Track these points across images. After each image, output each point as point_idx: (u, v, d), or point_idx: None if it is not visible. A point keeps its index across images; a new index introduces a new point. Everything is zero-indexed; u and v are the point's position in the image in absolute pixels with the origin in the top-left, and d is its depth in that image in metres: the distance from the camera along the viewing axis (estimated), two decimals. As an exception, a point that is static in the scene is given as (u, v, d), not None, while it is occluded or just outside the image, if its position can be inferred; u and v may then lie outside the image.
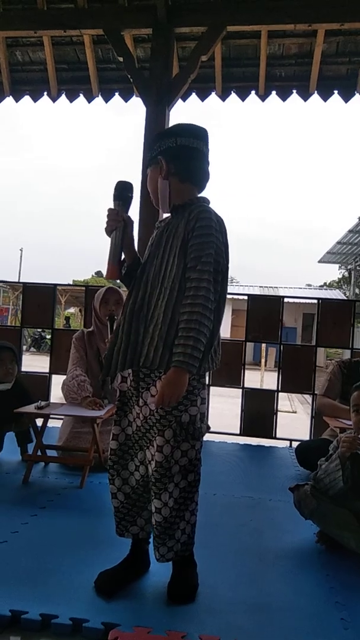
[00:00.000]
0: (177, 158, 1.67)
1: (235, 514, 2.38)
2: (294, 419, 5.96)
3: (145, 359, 1.55)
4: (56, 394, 3.49)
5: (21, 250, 32.94)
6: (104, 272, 1.75)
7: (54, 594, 1.58)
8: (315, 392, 3.76)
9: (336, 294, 24.73)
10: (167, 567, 1.67)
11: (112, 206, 1.67)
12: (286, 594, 1.69)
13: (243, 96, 4.64)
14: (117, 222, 1.65)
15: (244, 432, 4.00)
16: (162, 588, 1.63)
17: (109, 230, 1.66)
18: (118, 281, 1.80)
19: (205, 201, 1.71)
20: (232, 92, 4.65)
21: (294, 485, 2.21)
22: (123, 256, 1.71)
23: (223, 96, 4.66)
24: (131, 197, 1.69)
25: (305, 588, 1.74)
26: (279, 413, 4.06)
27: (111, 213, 1.65)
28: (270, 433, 3.98)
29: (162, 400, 1.50)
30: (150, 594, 1.63)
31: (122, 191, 1.67)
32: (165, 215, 1.78)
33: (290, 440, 3.96)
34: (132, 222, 1.69)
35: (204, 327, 1.51)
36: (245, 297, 4.17)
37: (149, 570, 1.75)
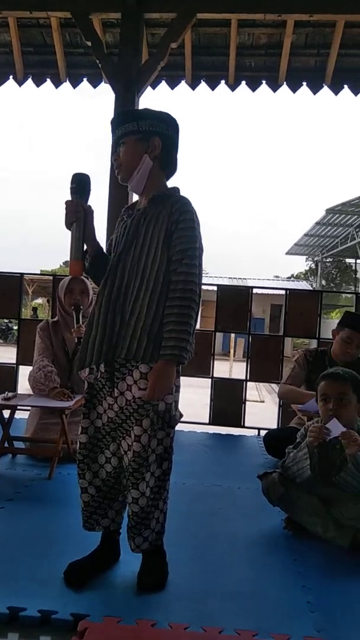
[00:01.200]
0: (165, 145, 1.68)
1: (205, 502, 2.40)
2: (262, 408, 6.04)
3: (128, 352, 1.54)
4: (23, 385, 3.43)
5: (-14, 239, 32.08)
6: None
7: (22, 586, 1.56)
8: (283, 382, 3.81)
9: (303, 286, 25.11)
10: (137, 556, 1.67)
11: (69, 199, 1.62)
12: (255, 580, 1.71)
13: (213, 85, 4.63)
14: (76, 213, 1.60)
15: (213, 421, 4.03)
16: (132, 578, 1.63)
17: (68, 223, 1.60)
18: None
19: (179, 192, 1.71)
20: (202, 80, 4.63)
21: (262, 472, 2.24)
22: (85, 248, 1.65)
23: (193, 85, 4.63)
24: (89, 190, 1.64)
25: (274, 573, 1.77)
26: (247, 402, 4.10)
27: (69, 205, 1.60)
28: (238, 422, 4.02)
29: (154, 393, 1.52)
30: (119, 584, 1.63)
31: (80, 184, 1.62)
32: (136, 199, 1.77)
33: (259, 429, 4.01)
34: (92, 212, 1.64)
35: (193, 320, 1.56)
36: (215, 288, 4.18)
37: (119, 560, 1.75)
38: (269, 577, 1.75)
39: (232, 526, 2.14)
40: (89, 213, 1.62)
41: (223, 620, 1.46)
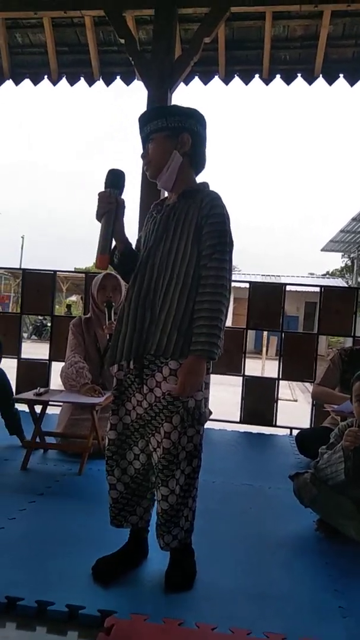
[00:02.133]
0: (194, 142, 1.67)
1: (235, 502, 2.37)
2: (295, 408, 5.95)
3: (158, 347, 1.53)
4: (56, 381, 3.48)
5: (22, 237, 32.61)
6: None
7: (51, 581, 1.57)
8: (317, 381, 3.74)
9: (339, 283, 24.63)
10: (165, 555, 1.66)
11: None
12: (285, 582, 1.68)
13: (247, 80, 4.55)
14: (108, 205, 1.58)
15: (244, 420, 3.99)
16: (160, 576, 1.62)
17: (100, 214, 1.59)
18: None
19: (208, 187, 1.69)
20: (235, 75, 4.56)
21: (294, 473, 2.19)
22: (114, 243, 1.63)
23: (226, 80, 4.57)
24: (123, 185, 1.62)
25: (304, 576, 1.73)
26: (279, 401, 4.04)
27: (103, 195, 1.59)
28: (270, 421, 3.96)
29: (184, 389, 1.51)
30: (147, 581, 1.62)
31: (114, 178, 1.61)
32: (165, 195, 1.75)
33: (291, 428, 3.95)
34: (124, 206, 1.62)
35: (223, 315, 1.55)
36: (247, 285, 4.13)
37: (147, 558, 1.74)
38: (300, 579, 1.71)
39: (262, 526, 2.11)
40: (120, 206, 1.61)
41: (251, 622, 1.43)
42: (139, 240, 1.74)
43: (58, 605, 1.44)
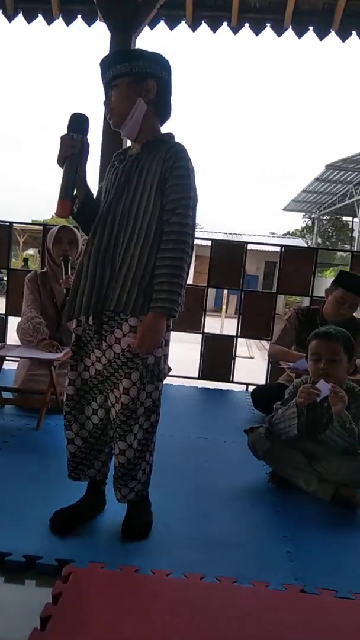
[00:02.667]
0: (160, 89, 1.60)
1: (191, 455, 2.43)
2: (252, 365, 6.09)
3: (117, 303, 1.51)
4: (12, 336, 3.41)
5: (-23, 186, 31.18)
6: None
7: (8, 532, 1.58)
8: (274, 339, 3.82)
9: (299, 243, 24.91)
10: (122, 506, 1.69)
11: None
12: (237, 531, 1.75)
13: (214, 27, 4.38)
14: (71, 148, 1.51)
15: (202, 376, 4.06)
16: (117, 526, 1.66)
17: (61, 158, 1.51)
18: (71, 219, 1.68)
19: (174, 138, 1.63)
20: (203, 22, 4.38)
21: (249, 427, 2.26)
22: (75, 192, 1.57)
23: (193, 26, 4.39)
24: (87, 130, 1.55)
25: (256, 524, 1.81)
26: (237, 358, 4.12)
27: (65, 138, 1.51)
28: (227, 377, 4.05)
29: (143, 346, 1.50)
30: (104, 531, 1.66)
31: (77, 122, 1.53)
32: (128, 145, 1.69)
33: (247, 385, 4.05)
34: (88, 151, 1.55)
35: (185, 272, 1.52)
36: (209, 243, 4.11)
37: (104, 509, 1.78)
38: (251, 528, 1.79)
39: (217, 479, 2.18)
40: (84, 151, 1.54)
41: (204, 568, 1.49)
42: (99, 192, 1.68)
43: (15, 556, 1.46)
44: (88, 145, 1.55)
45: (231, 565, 1.53)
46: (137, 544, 1.59)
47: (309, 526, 1.84)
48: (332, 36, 4.28)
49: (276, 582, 1.46)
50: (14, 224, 4.21)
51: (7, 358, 2.81)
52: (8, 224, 4.10)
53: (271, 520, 1.86)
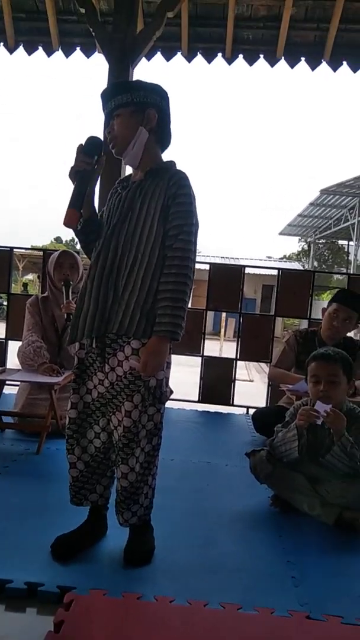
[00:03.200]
0: (160, 119, 1.65)
1: (192, 479, 2.41)
2: (251, 387, 6.08)
3: (120, 326, 1.53)
4: (13, 360, 3.41)
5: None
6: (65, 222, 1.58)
7: (9, 559, 1.56)
8: (273, 361, 3.82)
9: (295, 266, 25.10)
10: (124, 531, 1.68)
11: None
12: (240, 555, 1.73)
13: (209, 58, 4.52)
14: (85, 164, 1.56)
15: (202, 399, 4.05)
16: (119, 552, 1.64)
17: (74, 172, 1.56)
18: (78, 245, 1.71)
19: (175, 166, 1.68)
20: (198, 53, 4.52)
21: (250, 450, 2.25)
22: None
23: (189, 57, 4.52)
24: (100, 154, 1.60)
25: (259, 549, 1.79)
26: (236, 381, 4.12)
27: (80, 155, 1.56)
28: (227, 400, 4.04)
29: (147, 369, 1.51)
30: (106, 557, 1.64)
31: (92, 145, 1.58)
32: (130, 172, 1.73)
33: (247, 407, 4.03)
34: (100, 169, 1.61)
35: (187, 296, 1.55)
36: (207, 267, 4.15)
37: (106, 535, 1.76)
38: (255, 552, 1.77)
39: (219, 502, 2.16)
40: (96, 171, 1.60)
41: (208, 594, 1.47)
42: (100, 216, 1.72)
43: (16, 583, 1.43)
44: (102, 166, 1.60)
45: (235, 590, 1.51)
46: (139, 570, 1.57)
47: (313, 550, 1.81)
48: (324, 66, 4.42)
49: (281, 608, 1.43)
50: (14, 249, 4.26)
51: (7, 382, 2.80)
52: (8, 249, 4.14)
53: (274, 544, 1.84)
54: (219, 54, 4.50)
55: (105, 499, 1.74)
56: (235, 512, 2.08)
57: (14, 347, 3.34)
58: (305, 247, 32.72)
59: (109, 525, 1.76)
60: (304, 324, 4.44)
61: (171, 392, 1.68)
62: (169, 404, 1.69)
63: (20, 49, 4.63)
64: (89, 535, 1.70)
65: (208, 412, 3.94)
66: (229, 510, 2.08)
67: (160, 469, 1.72)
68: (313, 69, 4.45)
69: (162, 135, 1.70)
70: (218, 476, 2.49)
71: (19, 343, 3.01)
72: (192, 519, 1.98)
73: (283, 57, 4.42)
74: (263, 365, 5.60)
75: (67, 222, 1.54)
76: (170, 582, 1.52)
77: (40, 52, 4.63)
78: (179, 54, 4.52)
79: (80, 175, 1.56)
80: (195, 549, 1.75)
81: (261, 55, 4.47)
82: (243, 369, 7.62)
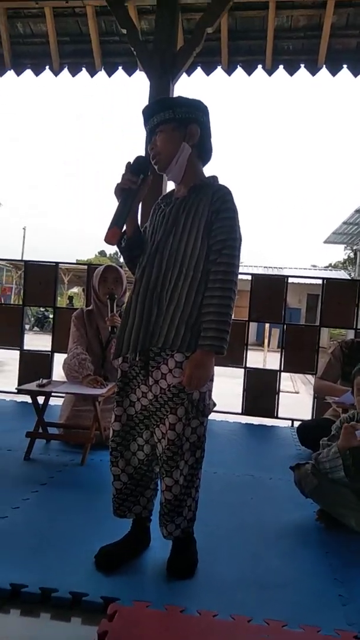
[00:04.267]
0: (202, 134, 1.67)
1: (236, 492, 2.39)
2: (297, 399, 5.97)
3: (165, 340, 1.54)
4: (58, 372, 3.49)
5: (24, 229, 32.51)
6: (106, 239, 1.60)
7: (54, 568, 1.59)
8: (318, 373, 3.75)
9: (341, 275, 24.59)
10: (167, 543, 1.68)
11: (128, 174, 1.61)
12: (286, 571, 1.70)
13: (249, 70, 4.52)
14: (130, 183, 1.60)
15: (245, 411, 4.01)
16: (162, 564, 1.64)
17: (119, 189, 1.60)
18: (121, 259, 1.74)
19: (218, 181, 1.69)
20: (238, 66, 4.53)
21: (295, 464, 2.21)
22: (125, 227, 1.64)
23: (229, 70, 4.54)
24: (146, 173, 1.63)
25: (305, 565, 1.75)
26: (281, 393, 4.06)
27: (128, 173, 1.60)
28: (272, 412, 3.98)
29: (192, 382, 1.52)
30: (150, 569, 1.64)
31: (138, 164, 1.62)
32: (172, 188, 1.75)
33: (292, 420, 3.96)
34: (145, 191, 1.64)
35: (231, 310, 1.56)
36: (249, 277, 4.13)
37: (149, 547, 1.76)
38: (300, 568, 1.73)
39: (263, 516, 2.13)
40: (141, 190, 1.63)
41: (252, 609, 1.45)
42: (144, 231, 1.74)
43: (61, 592, 1.46)
44: (148, 186, 1.64)
45: (280, 607, 1.48)
46: (182, 583, 1.57)
47: (362, 568, 1.75)
48: (367, 72, 4.34)
49: (328, 627, 1.39)
50: (60, 264, 4.38)
51: (52, 394, 2.87)
52: (54, 264, 4.26)
53: (321, 561, 1.79)
54: (259, 66, 4.49)
55: (149, 511, 1.75)
56: (280, 526, 2.04)
57: (59, 359, 3.42)
58: (352, 255, 31.99)
59: (152, 537, 1.77)
60: (350, 335, 4.33)
61: (214, 404, 1.68)
62: (212, 416, 1.69)
63: (65, 71, 4.79)
64: (133, 547, 1.71)
65: (252, 424, 3.90)
66: (273, 525, 2.05)
67: (204, 481, 1.71)
68: (356, 75, 4.38)
69: (203, 151, 1.72)
70: (262, 489, 2.46)
71: (64, 355, 3.09)
72: (235, 533, 1.96)
73: (324, 66, 4.37)
74: (309, 376, 5.50)
75: (108, 239, 1.57)
76: (213, 597, 1.51)
77: (83, 72, 4.77)
78: (219, 67, 4.56)
79: (126, 193, 1.60)
80: (239, 563, 1.72)
81: (302, 65, 4.44)
82: (288, 381, 7.50)
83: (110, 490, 1.73)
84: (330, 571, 1.72)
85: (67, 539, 1.79)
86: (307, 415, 3.93)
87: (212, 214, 1.58)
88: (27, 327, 9.82)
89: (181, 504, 1.61)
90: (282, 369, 4.02)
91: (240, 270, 1.66)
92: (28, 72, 4.84)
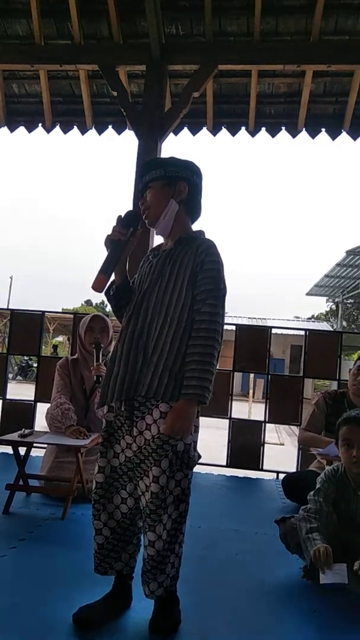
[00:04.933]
0: (191, 191, 1.74)
1: (220, 548, 2.33)
2: (281, 451, 5.91)
3: (148, 389, 1.55)
4: (41, 422, 3.44)
5: (11, 277, 32.56)
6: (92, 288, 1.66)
7: (32, 629, 1.52)
8: (303, 424, 3.74)
9: (324, 326, 24.92)
10: (149, 602, 1.62)
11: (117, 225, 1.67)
12: (271, 631, 1.64)
13: (233, 131, 4.77)
14: (120, 234, 1.66)
15: (230, 463, 3.96)
16: (144, 624, 1.57)
17: (110, 240, 1.66)
18: (107, 308, 1.78)
19: (204, 235, 1.76)
20: (222, 127, 4.79)
21: (280, 517, 2.18)
22: (112, 277, 1.69)
23: (214, 131, 4.79)
24: (136, 227, 1.70)
25: (291, 625, 1.70)
26: (266, 445, 4.03)
27: (119, 224, 1.67)
28: (257, 465, 3.93)
29: (174, 431, 1.52)
30: (131, 631, 1.57)
31: (129, 218, 1.69)
32: (159, 242, 1.81)
33: (277, 472, 3.92)
34: (134, 244, 1.70)
35: (215, 360, 1.57)
36: (233, 328, 4.18)
37: (130, 606, 1.70)
38: (286, 628, 1.67)
39: (249, 573, 2.07)
40: (130, 243, 1.69)
41: (237, 674, 1.39)
42: (132, 282, 1.79)
43: (38, 657, 1.39)
44: (136, 238, 1.70)
45: (266, 671, 1.42)
46: (165, 646, 1.50)
47: (350, 628, 1.70)
48: (344, 135, 4.60)
49: None
50: (46, 313, 4.39)
51: (35, 444, 2.82)
52: (40, 312, 4.28)
53: (308, 620, 1.74)
54: (243, 128, 4.75)
55: (131, 568, 1.70)
56: (265, 583, 1.99)
57: (42, 409, 3.38)
58: (334, 307, 32.56)
59: (133, 596, 1.70)
60: (334, 385, 4.36)
61: (199, 456, 1.67)
62: (196, 469, 1.67)
63: (57, 129, 4.98)
64: (114, 606, 1.65)
65: (237, 476, 3.84)
66: (259, 582, 1.99)
67: (187, 536, 1.67)
68: (333, 138, 4.64)
69: (192, 207, 1.78)
70: (247, 545, 2.40)
71: (48, 405, 3.05)
72: (220, 591, 1.90)
73: (304, 129, 4.64)
74: (294, 427, 5.48)
75: (96, 286, 1.62)
76: (197, 660, 1.45)
77: (75, 130, 4.97)
78: (204, 128, 4.79)
79: (115, 244, 1.66)
80: (223, 623, 1.66)
81: (283, 128, 4.71)
82: (273, 432, 7.45)
83: (91, 546, 1.68)
84: (317, 632, 1.66)
85: (46, 598, 1.71)
86: (292, 467, 3.89)
87: (197, 266, 1.63)
88: (10, 376, 9.68)
89: (164, 561, 1.57)
90: (267, 419, 4.00)
91: (225, 320, 1.70)
92: (21, 129, 5.03)
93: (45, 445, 3.06)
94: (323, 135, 4.65)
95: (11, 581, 1.83)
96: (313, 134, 4.65)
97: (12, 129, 5.02)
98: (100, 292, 1.67)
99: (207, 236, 1.75)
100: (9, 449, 2.82)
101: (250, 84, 4.47)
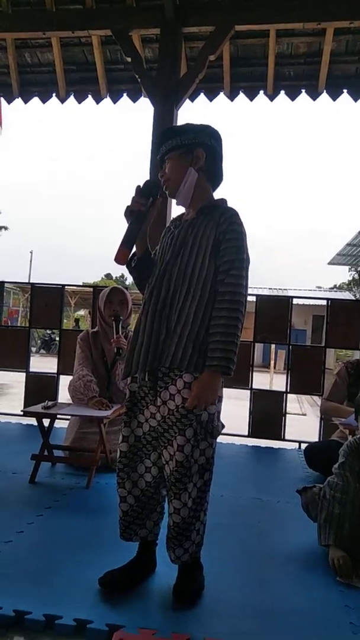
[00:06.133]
0: (210, 158, 1.69)
1: (243, 516, 2.35)
2: (304, 421, 5.91)
3: (172, 359, 1.54)
4: (64, 394, 3.49)
5: (31, 252, 32.81)
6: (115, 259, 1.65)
7: (58, 594, 1.56)
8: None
9: (346, 296, 24.55)
10: (173, 568, 1.65)
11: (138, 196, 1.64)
12: (294, 598, 1.66)
13: (251, 96, 4.62)
14: (140, 205, 1.63)
15: (252, 433, 3.97)
16: (168, 590, 1.61)
17: (129, 211, 1.64)
18: (127, 281, 1.76)
19: (226, 203, 1.71)
20: (240, 92, 4.64)
21: (302, 487, 2.18)
22: (134, 249, 1.67)
23: (231, 96, 4.64)
24: (155, 196, 1.66)
25: (314, 591, 1.71)
26: (288, 415, 4.02)
27: (138, 195, 1.64)
28: (278, 435, 3.94)
29: (199, 402, 1.51)
30: (156, 595, 1.61)
31: (147, 187, 1.66)
32: (181, 212, 1.77)
33: (299, 442, 3.92)
34: (155, 211, 1.67)
35: (239, 331, 1.56)
36: (254, 298, 4.13)
37: (155, 571, 1.73)
38: (309, 595, 1.69)
39: (271, 541, 2.09)
40: (150, 213, 1.66)
41: (260, 637, 1.42)
42: (154, 254, 1.76)
43: (66, 619, 1.43)
44: (156, 207, 1.67)
45: (289, 635, 1.44)
46: (189, 610, 1.53)
47: (373, 594, 1.71)
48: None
49: (339, 656, 1.36)
50: (66, 287, 4.41)
51: (58, 416, 2.86)
52: (60, 286, 4.29)
53: (331, 587, 1.75)
54: (261, 91, 4.59)
55: (155, 535, 1.72)
56: (287, 551, 2.00)
57: (65, 381, 3.42)
58: (356, 276, 32.02)
59: (158, 562, 1.74)
60: (357, 355, 4.31)
61: (223, 426, 1.67)
62: (218, 439, 1.67)
63: (71, 98, 4.90)
64: (138, 571, 1.69)
65: (259, 446, 3.86)
66: (281, 549, 2.01)
67: (210, 505, 1.69)
68: (356, 99, 4.46)
69: (212, 174, 1.73)
70: (270, 513, 2.42)
71: (70, 377, 3.08)
72: (243, 558, 1.92)
73: (325, 91, 4.46)
74: (316, 398, 5.46)
75: (118, 259, 1.61)
76: (220, 624, 1.47)
77: (89, 99, 4.88)
78: (221, 93, 4.65)
79: (135, 215, 1.63)
80: (247, 589, 1.69)
81: (303, 90, 4.53)
82: (295, 402, 7.44)
83: (115, 514, 1.71)
84: (340, 598, 1.68)
85: (72, 564, 1.76)
86: (314, 437, 3.89)
87: (220, 235, 1.60)
88: (33, 349, 9.83)
89: (190, 528, 1.59)
90: (288, 390, 3.99)
91: (248, 291, 1.66)
92: (35, 100, 4.96)
93: (68, 417, 3.11)
94: (345, 96, 4.47)
95: (38, 547, 1.88)
96: (334, 95, 4.47)
97: (26, 100, 4.96)
98: (123, 264, 1.66)
99: (230, 203, 1.70)
100: (33, 421, 2.87)
101: (268, 44, 4.29)
